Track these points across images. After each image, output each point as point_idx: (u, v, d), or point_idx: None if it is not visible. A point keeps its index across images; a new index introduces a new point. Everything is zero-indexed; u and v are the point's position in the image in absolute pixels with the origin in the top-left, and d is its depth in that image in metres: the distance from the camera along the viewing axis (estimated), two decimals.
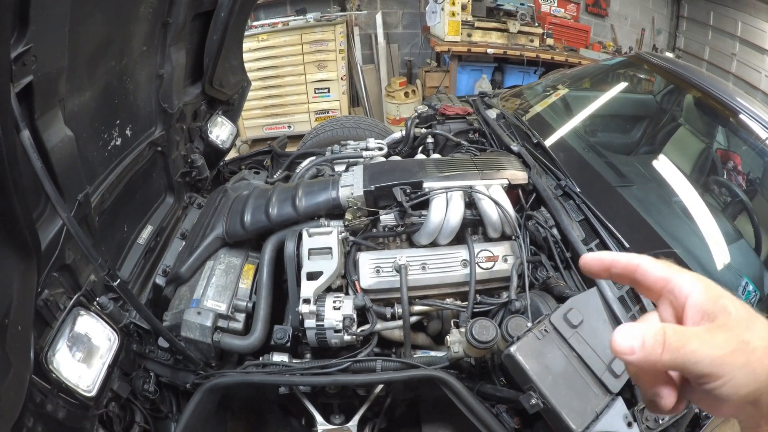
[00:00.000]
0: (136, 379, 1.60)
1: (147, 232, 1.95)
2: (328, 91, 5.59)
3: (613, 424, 1.32)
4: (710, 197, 2.26)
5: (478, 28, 5.52)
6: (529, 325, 1.43)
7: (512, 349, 1.34)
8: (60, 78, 1.23)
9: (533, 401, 1.30)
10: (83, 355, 1.34)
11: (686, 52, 6.54)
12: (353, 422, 1.67)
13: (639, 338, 0.48)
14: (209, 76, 2.27)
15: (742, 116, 2.31)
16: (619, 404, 1.36)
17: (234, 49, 2.45)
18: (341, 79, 5.57)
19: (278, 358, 1.64)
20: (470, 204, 1.88)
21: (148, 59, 1.83)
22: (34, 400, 1.14)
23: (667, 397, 0.52)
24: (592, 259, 0.59)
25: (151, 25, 1.75)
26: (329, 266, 1.65)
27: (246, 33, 4.81)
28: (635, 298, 1.60)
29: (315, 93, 5.56)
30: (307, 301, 1.58)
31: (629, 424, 1.34)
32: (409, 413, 1.94)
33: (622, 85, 2.97)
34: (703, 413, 1.51)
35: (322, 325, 1.58)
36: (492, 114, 2.68)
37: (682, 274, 0.54)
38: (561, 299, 1.61)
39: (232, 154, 3.19)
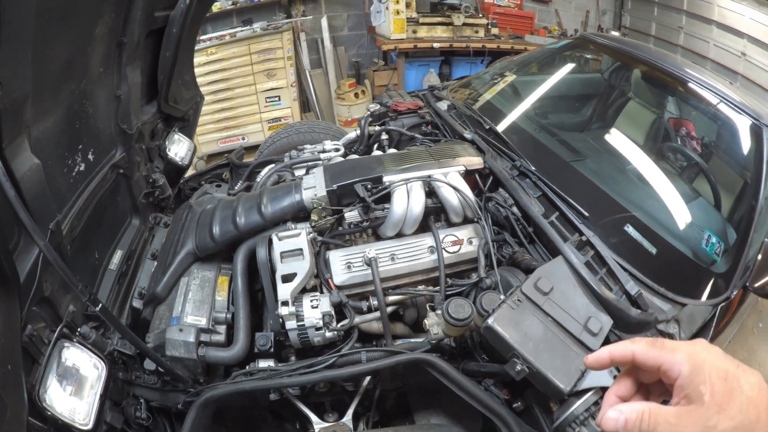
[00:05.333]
0: (128, 408, 1.57)
1: (117, 256, 1.92)
2: (279, 99, 5.60)
3: (600, 379, 1.38)
4: (665, 163, 2.37)
5: (423, 24, 5.62)
6: (503, 297, 1.50)
7: (490, 321, 1.40)
8: (25, 104, 1.22)
9: (518, 368, 1.35)
10: (74, 388, 1.31)
11: (632, 29, 6.74)
12: (347, 417, 1.70)
13: (623, 418, 0.60)
14: (164, 94, 2.25)
15: (691, 84, 2.41)
16: None
17: (186, 64, 2.44)
18: (291, 86, 5.58)
19: (264, 364, 1.65)
20: (430, 192, 1.93)
21: (106, 80, 1.81)
22: None
23: None
24: (593, 360, 0.70)
25: (107, 46, 1.74)
26: (302, 266, 1.67)
27: (195, 48, 4.79)
28: (600, 262, 1.69)
29: (266, 102, 5.55)
30: (285, 303, 1.60)
31: (615, 377, 1.40)
32: (399, 405, 1.98)
33: (570, 67, 3.06)
34: None
35: (303, 325, 1.61)
36: (443, 106, 2.75)
37: (675, 355, 0.62)
38: (529, 271, 1.67)
39: (189, 172, 3.16)
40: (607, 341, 1.49)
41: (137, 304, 1.87)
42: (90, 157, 1.72)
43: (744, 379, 0.58)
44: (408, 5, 5.48)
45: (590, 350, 1.42)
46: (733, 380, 0.58)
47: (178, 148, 2.52)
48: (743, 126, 2.22)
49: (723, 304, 1.71)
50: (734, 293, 1.75)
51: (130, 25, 1.78)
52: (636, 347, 0.65)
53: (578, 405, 1.36)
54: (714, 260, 1.83)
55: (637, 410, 0.60)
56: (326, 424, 1.67)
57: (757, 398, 0.56)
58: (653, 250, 1.77)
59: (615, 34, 6.04)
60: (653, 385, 0.69)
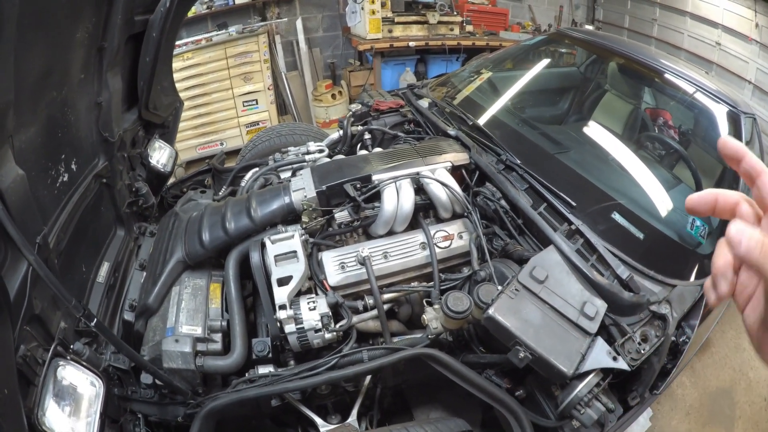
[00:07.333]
0: (126, 425, 1.52)
1: (104, 269, 1.86)
2: (257, 103, 5.54)
3: (600, 360, 1.43)
4: (645, 151, 2.42)
5: (399, 23, 5.64)
6: (500, 288, 1.52)
7: (490, 311, 1.42)
8: (8, 113, 1.17)
9: (521, 355, 1.37)
10: (72, 408, 1.26)
11: (606, 22, 6.80)
12: (352, 418, 1.69)
13: (747, 237, 0.53)
14: (145, 100, 2.20)
15: (667, 75, 2.47)
16: (600, 342, 1.47)
17: (165, 69, 2.39)
18: (268, 89, 5.54)
19: (264, 370, 1.63)
20: (419, 189, 1.95)
21: (87, 87, 1.76)
22: None
23: (725, 285, 0.57)
24: (696, 201, 0.62)
25: (87, 51, 1.69)
26: (297, 269, 1.66)
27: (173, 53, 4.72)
28: (590, 249, 1.73)
29: (244, 106, 5.49)
30: (283, 306, 1.59)
31: (614, 358, 1.45)
32: (396, 402, 1.99)
33: (545, 62, 3.10)
34: (681, 339, 1.64)
35: (303, 328, 1.59)
36: (424, 103, 2.77)
37: None
38: (522, 262, 1.71)
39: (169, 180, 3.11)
40: (602, 324, 1.53)
41: (128, 316, 1.81)
42: (73, 167, 1.67)
43: None
44: (383, 5, 5.49)
45: (588, 333, 1.46)
46: None
47: (159, 155, 2.47)
48: (720, 114, 2.28)
49: None
50: None
51: (110, 29, 1.73)
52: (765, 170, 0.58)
53: (581, 387, 1.40)
54: (699, 242, 1.89)
55: (759, 237, 0.54)
56: (332, 426, 1.66)
57: None
58: (641, 236, 1.82)
59: (589, 27, 6.12)
60: None
